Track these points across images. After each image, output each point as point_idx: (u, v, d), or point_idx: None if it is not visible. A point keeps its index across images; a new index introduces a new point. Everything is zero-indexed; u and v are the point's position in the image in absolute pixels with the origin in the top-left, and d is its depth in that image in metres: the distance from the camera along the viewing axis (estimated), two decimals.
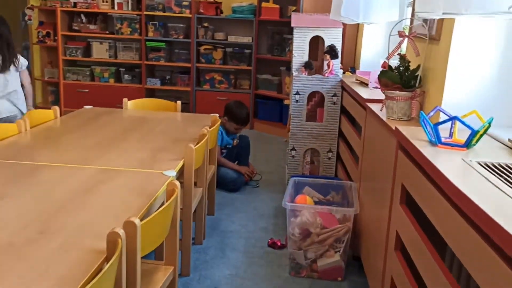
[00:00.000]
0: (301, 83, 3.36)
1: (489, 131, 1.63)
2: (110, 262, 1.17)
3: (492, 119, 1.54)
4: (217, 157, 3.59)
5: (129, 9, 5.60)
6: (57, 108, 2.83)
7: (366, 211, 2.35)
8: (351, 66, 4.05)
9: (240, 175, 3.63)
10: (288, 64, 5.06)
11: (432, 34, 2.03)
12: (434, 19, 2.02)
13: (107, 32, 5.73)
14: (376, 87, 2.79)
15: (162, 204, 1.75)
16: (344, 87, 3.25)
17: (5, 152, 2.13)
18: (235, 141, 3.80)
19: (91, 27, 5.69)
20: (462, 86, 1.84)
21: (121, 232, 1.26)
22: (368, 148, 2.44)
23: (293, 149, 3.46)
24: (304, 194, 2.78)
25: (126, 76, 5.78)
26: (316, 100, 3.47)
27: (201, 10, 5.57)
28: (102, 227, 1.40)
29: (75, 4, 5.62)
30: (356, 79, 3.26)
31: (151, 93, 5.81)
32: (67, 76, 5.78)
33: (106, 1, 5.61)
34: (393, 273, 1.77)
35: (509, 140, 1.54)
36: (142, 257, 1.43)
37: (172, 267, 1.78)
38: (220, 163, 3.59)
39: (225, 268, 2.48)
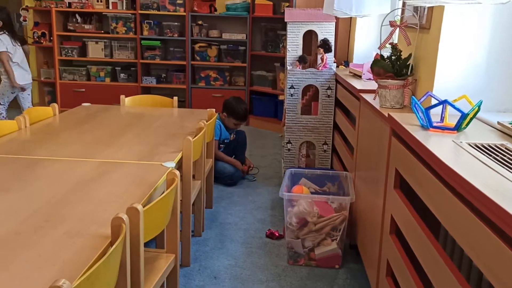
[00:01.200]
0: (295, 77, 3.40)
1: (478, 115, 1.68)
2: (115, 245, 1.21)
3: (481, 102, 1.59)
4: (214, 151, 3.64)
5: (124, 8, 5.63)
6: (56, 105, 2.86)
7: (362, 199, 2.40)
8: (344, 60, 4.10)
9: (237, 169, 3.68)
10: (282, 60, 5.11)
11: (423, 23, 2.08)
12: (424, 9, 2.07)
13: (102, 31, 5.76)
14: (369, 79, 2.84)
15: (163, 194, 1.79)
16: (338, 80, 3.30)
17: (6, 147, 2.17)
18: (231, 136, 3.84)
19: (86, 27, 5.71)
20: (452, 72, 1.89)
21: (124, 217, 1.30)
22: (362, 138, 2.49)
23: (289, 142, 3.50)
24: (300, 185, 2.82)
25: (122, 75, 5.81)
26: (310, 94, 3.52)
27: (195, 8, 5.61)
28: (106, 215, 1.44)
29: (69, 4, 5.64)
30: (350, 72, 3.31)
31: (147, 92, 5.83)
32: (63, 76, 5.80)
33: (101, 1, 5.64)
34: (389, 256, 1.82)
35: (498, 122, 1.59)
36: (144, 246, 1.47)
37: (173, 255, 1.82)
38: (218, 157, 3.63)
39: (224, 259, 2.53)
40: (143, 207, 1.44)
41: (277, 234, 2.78)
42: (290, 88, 3.43)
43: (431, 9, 2.01)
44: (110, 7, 5.63)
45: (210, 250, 2.61)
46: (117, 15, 5.63)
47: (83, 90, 5.76)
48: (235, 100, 3.80)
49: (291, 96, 3.43)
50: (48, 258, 1.21)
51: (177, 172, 1.74)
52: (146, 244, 1.53)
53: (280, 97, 5.28)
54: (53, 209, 1.51)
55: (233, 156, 3.84)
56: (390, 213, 1.80)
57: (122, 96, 3.30)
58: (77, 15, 5.71)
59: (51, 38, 5.69)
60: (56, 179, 1.79)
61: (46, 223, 1.40)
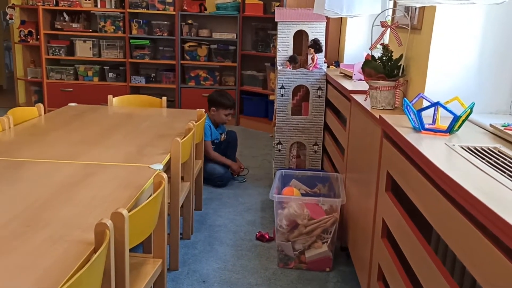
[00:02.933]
0: (286, 77, 3.37)
1: (470, 117, 1.66)
2: (98, 252, 1.17)
3: (474, 104, 1.57)
4: (209, 151, 3.59)
5: (112, 7, 5.56)
6: (41, 105, 2.80)
7: (353, 201, 2.38)
8: (335, 60, 4.08)
9: (227, 170, 3.64)
10: (272, 60, 5.07)
11: (414, 23, 2.06)
12: (415, 9, 2.04)
13: (90, 30, 5.68)
14: (360, 79, 2.81)
15: (150, 197, 1.75)
16: (328, 80, 3.28)
17: None
18: (222, 136, 3.80)
19: (74, 25, 5.64)
20: (444, 73, 1.87)
21: (109, 223, 1.25)
22: (353, 139, 2.46)
23: (279, 143, 3.47)
24: (291, 187, 2.79)
25: (110, 74, 5.74)
26: (301, 94, 3.49)
27: (185, 7, 5.56)
28: (90, 219, 1.40)
29: (57, 3, 5.56)
30: (340, 72, 3.28)
31: (136, 91, 5.77)
32: (50, 76, 5.72)
33: None
34: (380, 260, 1.79)
35: (490, 125, 1.57)
36: (130, 251, 1.43)
37: (160, 260, 1.78)
38: (213, 158, 3.59)
39: (213, 262, 2.49)
40: (129, 211, 1.40)
41: (267, 237, 2.74)
42: (280, 88, 3.39)
43: (422, 9, 1.99)
44: (99, 5, 5.56)
45: (199, 253, 2.57)
46: (105, 13, 5.56)
47: (71, 89, 5.68)
48: (217, 93, 3.82)
49: (282, 96, 3.40)
50: (27, 265, 1.17)
51: (165, 175, 1.70)
52: (133, 249, 1.49)
53: (271, 97, 5.24)
54: (35, 213, 1.46)
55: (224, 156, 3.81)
56: (381, 216, 1.77)
57: (109, 96, 3.25)
58: (64, 14, 5.62)
59: (38, 36, 5.60)
60: (39, 181, 1.74)
61: (27, 228, 1.36)
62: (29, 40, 5.68)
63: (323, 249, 2.42)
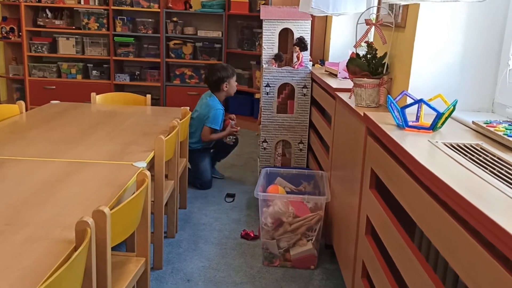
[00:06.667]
0: (271, 75, 3.37)
1: (453, 114, 1.67)
2: (78, 251, 1.15)
3: (457, 101, 1.58)
4: (209, 137, 3.51)
5: (96, 3, 5.50)
6: (22, 102, 2.75)
7: (337, 199, 2.38)
8: (320, 58, 4.09)
9: (210, 178, 3.57)
10: (258, 58, 5.06)
11: (398, 21, 2.06)
12: (399, 7, 2.05)
13: (73, 27, 5.61)
14: (345, 77, 2.82)
15: (132, 195, 1.73)
16: (314, 79, 3.28)
17: None
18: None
19: (57, 22, 5.56)
20: (427, 71, 1.88)
21: (90, 221, 1.23)
22: (338, 137, 2.47)
23: (265, 141, 3.46)
24: (276, 185, 2.79)
25: (94, 72, 5.67)
26: (286, 92, 3.48)
27: (170, 5, 5.52)
28: (71, 218, 1.37)
29: None
30: (326, 71, 3.29)
31: (120, 89, 5.71)
32: (32, 73, 5.63)
33: None
34: (364, 257, 1.80)
35: (473, 122, 1.59)
36: (113, 249, 1.41)
37: (144, 259, 1.76)
38: (214, 139, 3.55)
39: (198, 261, 2.47)
40: (111, 209, 1.38)
41: (252, 235, 2.74)
42: (265, 86, 3.39)
43: (406, 7, 2.00)
44: (82, 2, 5.49)
45: (183, 252, 2.55)
46: (89, 10, 5.49)
47: (54, 87, 5.60)
48: (214, 69, 3.61)
49: (267, 94, 3.39)
50: (6, 265, 1.14)
51: (148, 173, 1.68)
52: (116, 248, 1.47)
53: (256, 96, 5.24)
54: (15, 212, 1.44)
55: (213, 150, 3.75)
56: (365, 213, 1.78)
57: (93, 94, 3.21)
58: (47, 10, 5.54)
59: (20, 33, 5.51)
60: (20, 180, 1.71)
61: (7, 228, 1.33)
62: (11, 37, 5.59)
63: (308, 247, 2.42)
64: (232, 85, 3.64)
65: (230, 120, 3.67)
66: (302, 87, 3.36)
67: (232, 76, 3.63)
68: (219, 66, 3.65)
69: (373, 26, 2.18)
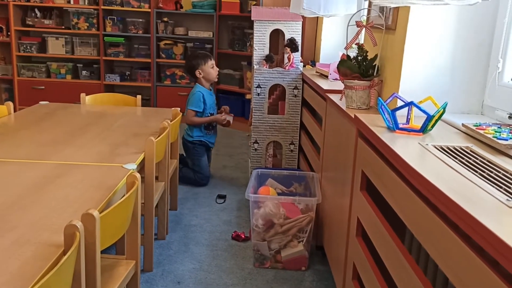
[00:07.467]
0: (262, 76, 3.36)
1: (443, 117, 1.68)
2: (67, 255, 1.14)
3: (446, 104, 1.59)
4: (192, 119, 3.53)
5: (86, 3, 5.45)
6: (10, 103, 2.72)
7: (328, 200, 2.38)
8: (311, 59, 4.09)
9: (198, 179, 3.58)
10: (249, 59, 5.06)
11: (389, 24, 2.07)
12: (390, 10, 2.06)
13: (63, 27, 5.56)
14: (336, 79, 2.82)
15: (122, 197, 1.71)
16: (304, 80, 3.28)
17: None
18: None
19: (46, 22, 5.51)
20: (417, 73, 1.89)
21: (79, 224, 1.22)
22: (329, 138, 2.47)
23: (256, 142, 3.46)
24: (267, 186, 2.79)
25: (84, 72, 5.63)
26: (277, 93, 3.48)
27: (160, 5, 5.49)
28: (60, 221, 1.36)
29: None
30: (316, 72, 3.29)
31: (110, 90, 5.67)
32: (21, 73, 5.57)
33: None
34: (355, 259, 1.80)
35: (462, 124, 1.59)
36: (102, 252, 1.40)
37: (133, 261, 1.74)
38: (197, 123, 3.57)
39: (188, 262, 2.46)
40: (100, 212, 1.36)
41: (243, 236, 2.73)
42: (256, 87, 3.38)
43: (396, 9, 2.00)
44: (72, 1, 5.44)
45: (174, 254, 2.54)
46: (78, 10, 5.45)
47: (43, 87, 5.55)
48: (189, 57, 3.77)
49: (258, 95, 3.39)
50: None
51: (138, 175, 1.67)
52: (105, 250, 1.46)
53: (247, 96, 5.23)
54: (2, 215, 1.42)
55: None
56: (356, 215, 1.78)
57: (82, 94, 3.18)
58: (36, 10, 5.49)
59: (9, 33, 5.45)
60: (7, 182, 1.69)
61: None
62: None
63: (299, 248, 2.42)
64: (206, 71, 3.61)
65: (223, 112, 3.73)
66: (293, 88, 3.36)
67: (204, 63, 3.60)
68: (190, 55, 3.79)
69: (364, 28, 2.19)
